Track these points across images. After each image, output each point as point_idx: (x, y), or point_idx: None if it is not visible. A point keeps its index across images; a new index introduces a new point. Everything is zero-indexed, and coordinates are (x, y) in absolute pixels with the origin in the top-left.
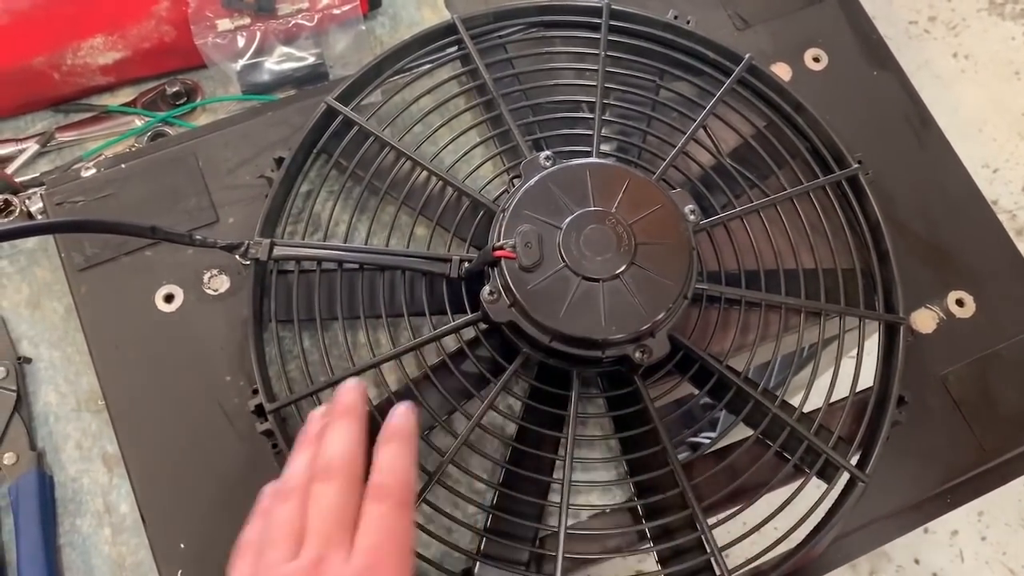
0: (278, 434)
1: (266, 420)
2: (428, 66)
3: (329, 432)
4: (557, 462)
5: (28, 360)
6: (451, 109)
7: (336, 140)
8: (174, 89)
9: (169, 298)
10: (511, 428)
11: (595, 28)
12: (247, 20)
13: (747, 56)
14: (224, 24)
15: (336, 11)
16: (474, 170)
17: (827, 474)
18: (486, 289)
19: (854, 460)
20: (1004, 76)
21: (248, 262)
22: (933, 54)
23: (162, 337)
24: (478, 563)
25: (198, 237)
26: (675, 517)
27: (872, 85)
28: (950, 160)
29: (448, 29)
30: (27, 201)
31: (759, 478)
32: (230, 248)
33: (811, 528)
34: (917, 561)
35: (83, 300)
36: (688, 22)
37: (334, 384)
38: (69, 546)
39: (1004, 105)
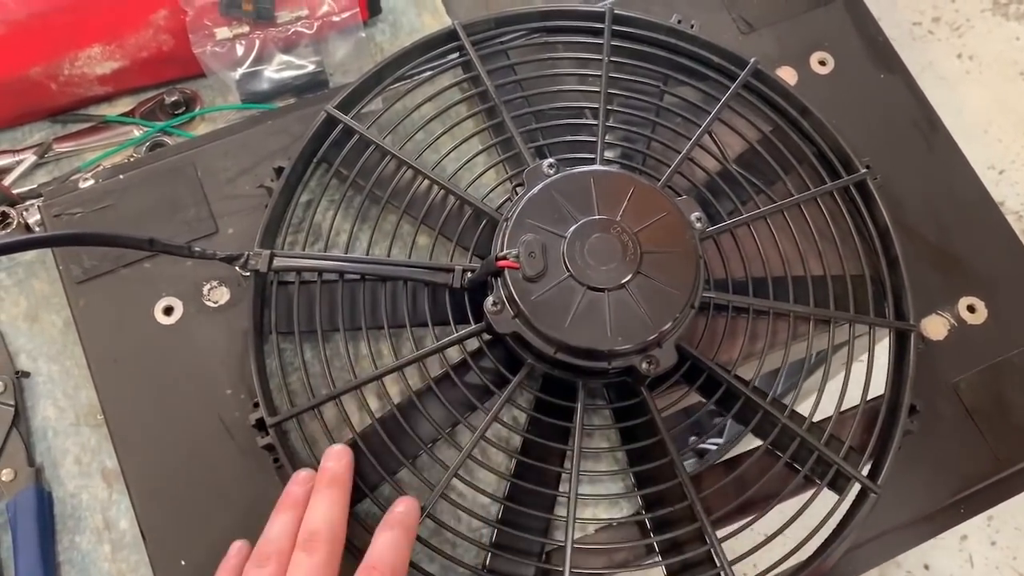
0: (279, 448)
1: (267, 434)
2: (429, 73)
3: (315, 500)
4: (563, 475)
5: (26, 374)
6: (453, 116)
7: (336, 149)
8: (173, 98)
9: (168, 310)
10: (516, 440)
11: (598, 33)
12: (246, 28)
13: (752, 60)
14: (223, 32)
15: (336, 18)
16: (476, 178)
17: (838, 485)
18: (489, 300)
19: (865, 470)
20: (1009, 76)
21: (248, 274)
22: (937, 55)
23: (161, 350)
24: None
25: (197, 249)
26: (684, 530)
27: (879, 88)
28: (959, 163)
29: (449, 35)
30: (24, 213)
31: (769, 489)
32: (229, 260)
33: (822, 540)
34: (927, 567)
35: (81, 313)
36: (692, 26)
37: (336, 397)
38: (68, 563)
39: (1009, 106)
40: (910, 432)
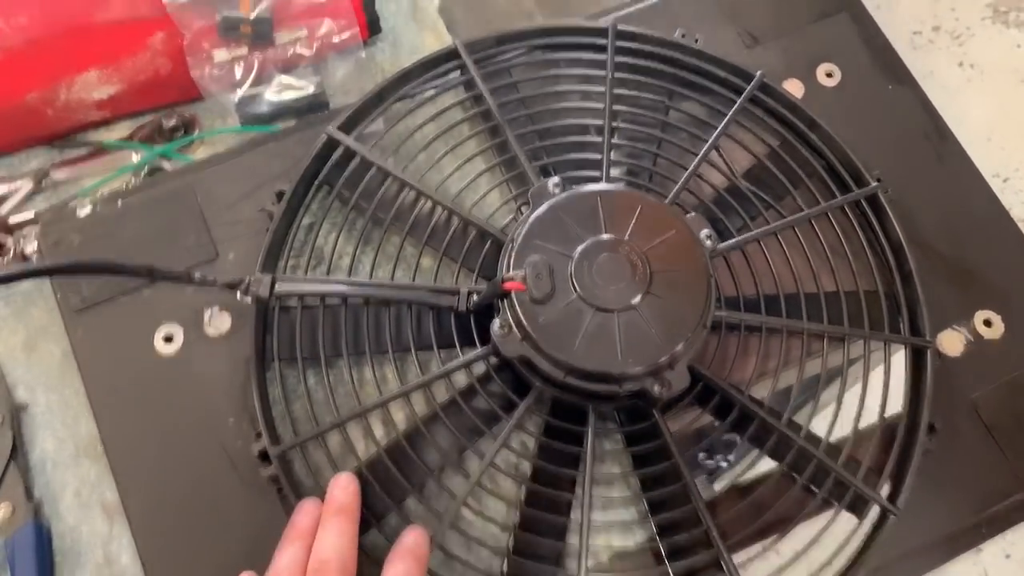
0: (283, 479)
1: (271, 464)
2: (431, 92)
3: (323, 529)
4: (575, 501)
5: (24, 406)
6: (456, 136)
7: (338, 171)
8: (171, 122)
9: (169, 338)
10: (525, 466)
11: (601, 49)
12: (244, 50)
13: (758, 73)
14: (221, 55)
15: (335, 39)
16: (481, 198)
17: (857, 507)
18: (496, 323)
19: (884, 491)
20: (1011, 84)
21: (249, 299)
22: (938, 64)
23: (162, 379)
24: None
25: (197, 276)
26: (700, 556)
27: (887, 99)
28: (970, 174)
29: (451, 54)
30: (22, 241)
31: (786, 512)
32: (230, 286)
33: (842, 564)
34: None
35: (80, 343)
36: (696, 40)
37: (340, 425)
38: None
39: (1011, 113)
40: (929, 451)
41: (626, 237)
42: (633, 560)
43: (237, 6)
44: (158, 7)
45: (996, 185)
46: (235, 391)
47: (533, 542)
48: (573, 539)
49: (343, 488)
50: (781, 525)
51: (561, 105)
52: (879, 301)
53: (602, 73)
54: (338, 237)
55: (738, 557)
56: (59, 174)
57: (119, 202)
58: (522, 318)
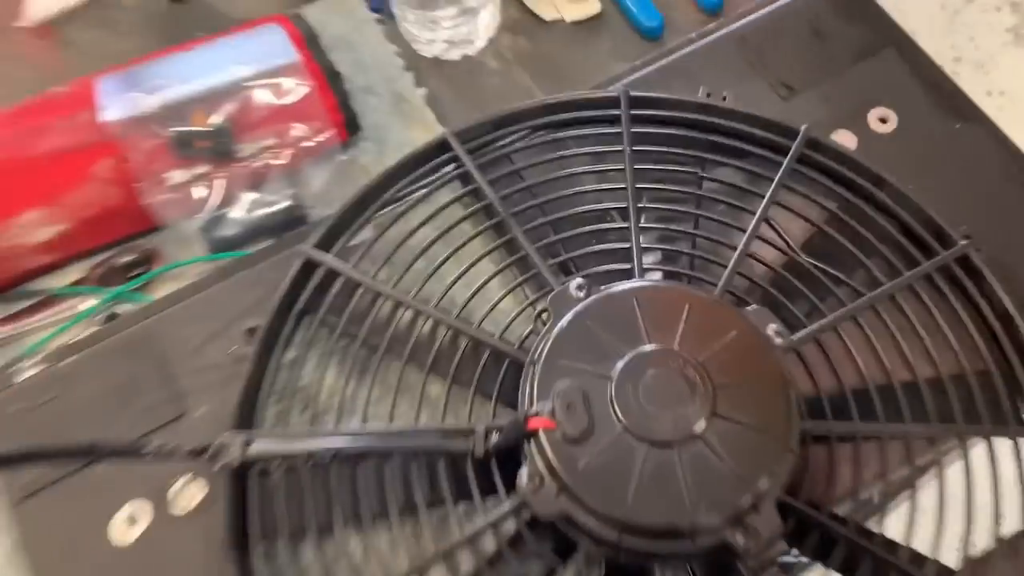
0: None
1: None
2: (422, 192)
3: None
4: None
5: None
6: (457, 237)
7: (321, 294)
8: (128, 259)
9: (132, 520)
10: None
11: (614, 122)
12: (204, 168)
13: (803, 128)
14: (177, 176)
15: (309, 143)
16: (492, 308)
17: None
18: (524, 473)
19: None
20: None
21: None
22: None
23: (125, 573)
24: None
25: (149, 449)
26: None
27: (956, 141)
28: None
29: (440, 146)
30: None
31: None
32: (193, 455)
33: None
34: None
35: (28, 536)
36: (724, 98)
37: None
38: None
39: None
40: None
41: (676, 346)
42: None
43: (189, 119)
44: (99, 131)
45: None
46: None
47: None
48: None
49: None
50: None
51: (574, 190)
52: (992, 384)
53: (619, 148)
54: (326, 372)
55: None
56: (1, 332)
57: (70, 359)
58: (556, 464)
